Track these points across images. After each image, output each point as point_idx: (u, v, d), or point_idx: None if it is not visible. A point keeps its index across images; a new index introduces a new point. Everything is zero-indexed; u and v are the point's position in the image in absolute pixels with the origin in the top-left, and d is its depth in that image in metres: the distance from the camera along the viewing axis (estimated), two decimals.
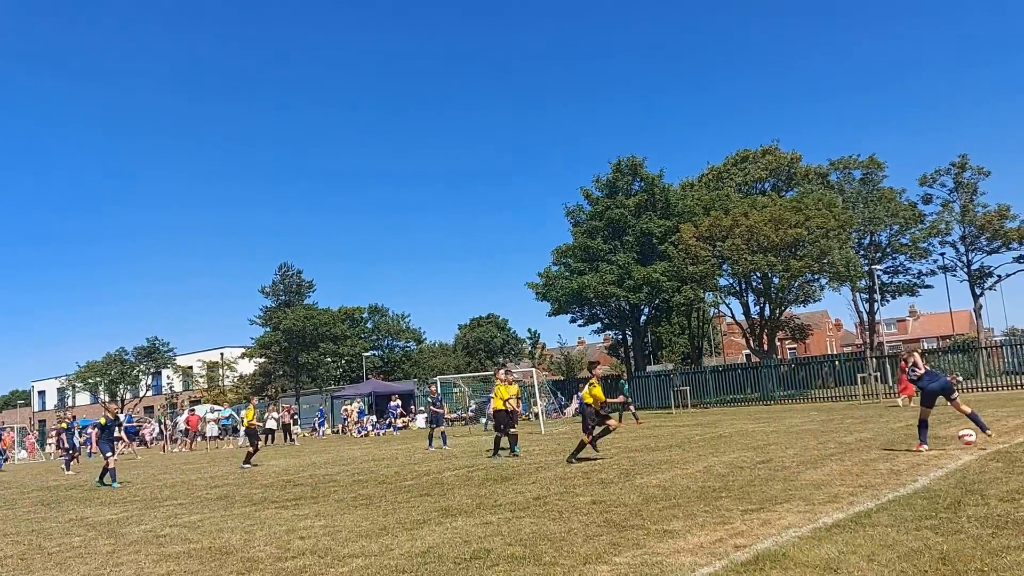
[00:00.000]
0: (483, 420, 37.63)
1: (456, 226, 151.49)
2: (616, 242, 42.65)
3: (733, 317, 46.03)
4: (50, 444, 44.61)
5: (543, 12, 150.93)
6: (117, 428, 17.27)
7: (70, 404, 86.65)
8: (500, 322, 78.35)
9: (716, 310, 54.13)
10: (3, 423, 72.38)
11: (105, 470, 16.24)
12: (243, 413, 25.55)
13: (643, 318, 46.75)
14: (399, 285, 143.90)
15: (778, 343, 52.26)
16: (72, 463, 24.16)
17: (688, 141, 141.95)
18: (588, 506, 8.36)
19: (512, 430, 16.31)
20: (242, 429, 29.31)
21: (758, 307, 42.96)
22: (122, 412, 63.45)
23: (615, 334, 51.45)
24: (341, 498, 10.85)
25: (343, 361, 67.23)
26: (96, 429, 17.02)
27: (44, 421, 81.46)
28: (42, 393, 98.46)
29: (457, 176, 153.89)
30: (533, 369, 33.14)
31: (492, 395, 19.60)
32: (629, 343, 48.31)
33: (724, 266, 40.10)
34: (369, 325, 73.96)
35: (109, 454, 16.19)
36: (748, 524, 6.77)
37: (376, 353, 72.41)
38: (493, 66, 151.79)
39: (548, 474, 11.92)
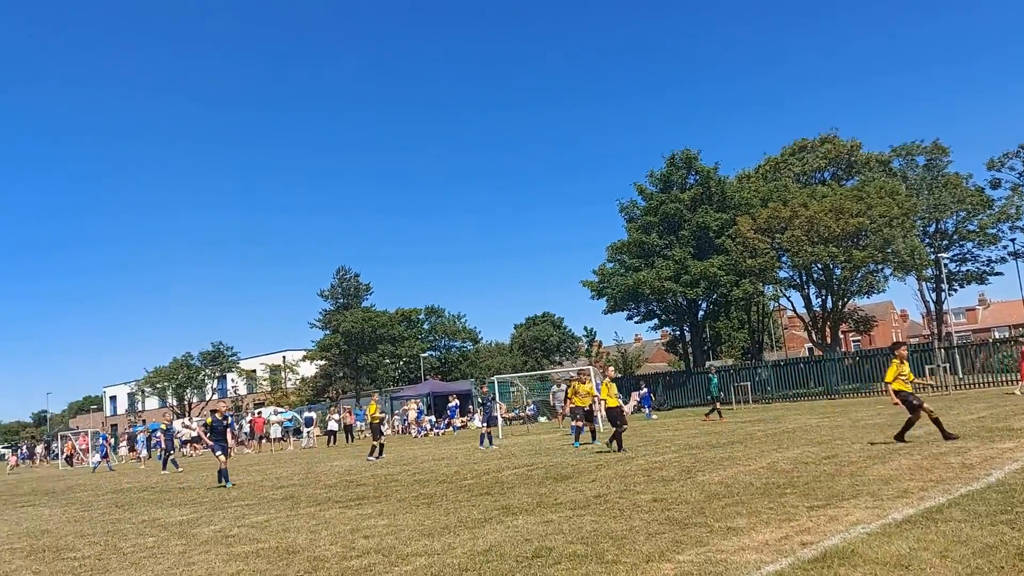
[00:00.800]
0: (542, 419, 37.63)
1: (511, 225, 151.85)
2: (672, 237, 42.18)
3: (794, 310, 45.07)
4: (122, 447, 46.18)
5: (589, 5, 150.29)
6: (226, 428, 17.02)
7: (140, 408, 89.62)
8: (556, 320, 78.21)
9: (776, 303, 53.12)
10: (78, 427, 75.27)
11: (221, 471, 15.90)
12: (366, 409, 26.80)
13: (701, 313, 46.14)
14: (455, 286, 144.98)
15: (841, 336, 51.00)
16: (138, 463, 24.94)
17: (744, 133, 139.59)
18: (649, 504, 8.29)
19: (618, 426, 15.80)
20: (366, 423, 30.73)
21: (820, 299, 41.95)
22: (188, 417, 65.45)
23: (672, 330, 50.88)
24: (403, 497, 10.99)
25: (401, 362, 68.03)
26: (204, 429, 17.12)
27: (116, 425, 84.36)
28: (113, 398, 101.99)
29: (510, 175, 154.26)
30: (591, 367, 33.00)
31: (572, 394, 20.08)
32: (687, 339, 47.75)
33: (784, 258, 39.29)
34: (426, 326, 74.65)
35: (220, 454, 15.77)
36: (815, 521, 6.64)
37: (433, 354, 73.03)
38: (544, 63, 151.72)
39: (608, 472, 11.87)
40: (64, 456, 45.62)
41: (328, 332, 65.45)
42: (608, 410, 16.21)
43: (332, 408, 43.20)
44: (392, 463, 18.52)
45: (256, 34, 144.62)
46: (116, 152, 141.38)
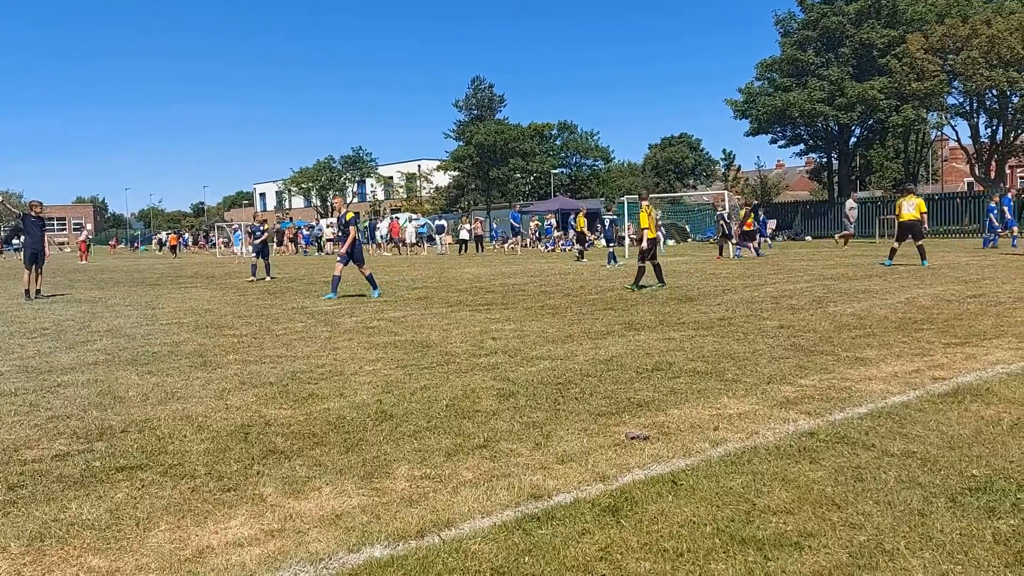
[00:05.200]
0: (670, 242, 37.30)
1: (649, 37, 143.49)
2: (830, 55, 38.79)
3: (958, 141, 41.27)
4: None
5: None
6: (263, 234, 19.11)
7: (287, 206, 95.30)
8: (693, 142, 75.35)
9: (939, 132, 48.77)
10: (231, 220, 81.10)
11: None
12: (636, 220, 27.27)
13: (853, 140, 43.19)
14: (590, 99, 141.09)
15: (1008, 171, 46.60)
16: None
17: None
18: (775, 330, 8.21)
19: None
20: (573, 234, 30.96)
21: (989, 130, 38.08)
22: (332, 216, 69.08)
23: (819, 157, 48.08)
24: (529, 306, 11.37)
25: (531, 177, 68.27)
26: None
27: (265, 220, 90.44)
28: (263, 195, 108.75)
29: None
30: (726, 192, 31.95)
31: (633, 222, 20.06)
32: (834, 167, 45.09)
33: (954, 83, 35.55)
34: (558, 142, 73.84)
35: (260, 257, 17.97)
36: (950, 357, 6.40)
37: (564, 171, 72.67)
38: None
39: (735, 297, 11.76)
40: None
41: (462, 143, 66.00)
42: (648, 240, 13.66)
43: (464, 218, 44.36)
44: (519, 274, 19.06)
45: None
46: None
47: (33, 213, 15.61)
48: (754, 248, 24.02)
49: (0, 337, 9.41)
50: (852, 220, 28.06)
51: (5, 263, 39.29)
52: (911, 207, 16.70)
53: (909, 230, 16.72)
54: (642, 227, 13.50)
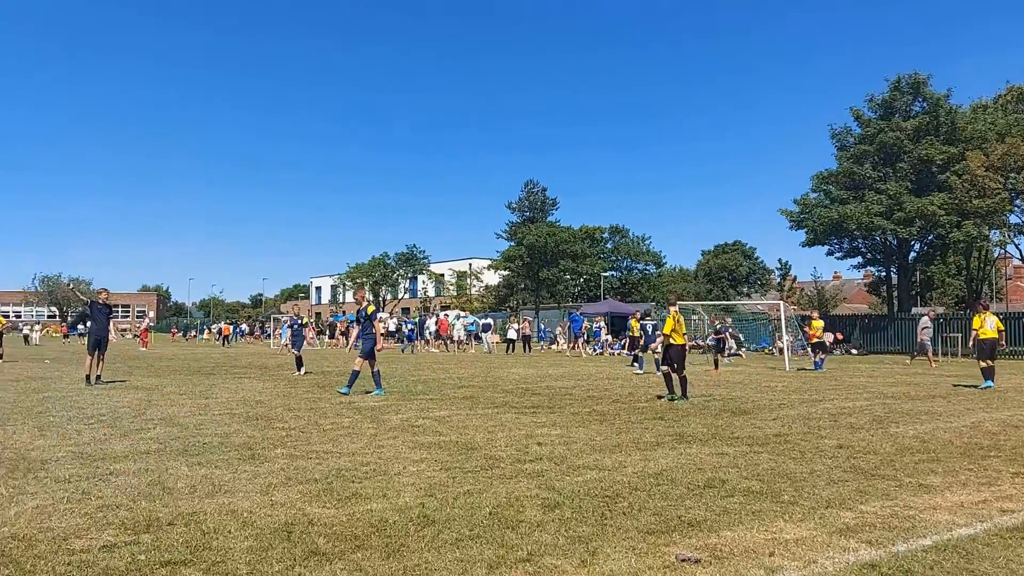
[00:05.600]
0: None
1: (703, 145, 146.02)
2: (887, 169, 38.78)
3: (1022, 259, 40.42)
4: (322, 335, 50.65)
5: None
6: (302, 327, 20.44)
7: (341, 300, 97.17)
8: (747, 250, 75.18)
9: (1002, 251, 47.82)
10: (287, 312, 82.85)
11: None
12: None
13: (912, 255, 42.53)
14: (642, 204, 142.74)
15: None
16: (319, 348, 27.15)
17: (984, 56, 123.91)
18: (834, 449, 7.93)
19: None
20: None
21: None
22: (383, 311, 70.16)
23: (877, 270, 47.41)
24: (576, 411, 11.23)
25: (581, 279, 68.61)
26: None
27: (320, 314, 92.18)
28: (319, 288, 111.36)
29: (704, 90, 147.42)
30: (781, 302, 31.59)
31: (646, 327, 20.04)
32: (893, 281, 44.34)
33: (1016, 201, 35.11)
34: (609, 245, 74.45)
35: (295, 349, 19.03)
36: (1018, 488, 6.08)
37: (615, 274, 72.94)
38: None
39: (791, 412, 11.44)
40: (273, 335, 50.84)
41: (513, 243, 67.01)
42: (670, 348, 12.83)
43: (512, 317, 44.60)
44: (567, 377, 18.92)
45: None
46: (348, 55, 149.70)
47: (100, 300, 16.21)
48: (817, 361, 23.11)
49: (59, 422, 9.63)
50: (928, 339, 26.13)
51: (69, 347, 40.60)
52: (991, 324, 16.29)
53: (991, 348, 16.21)
54: (665, 332, 12.72)
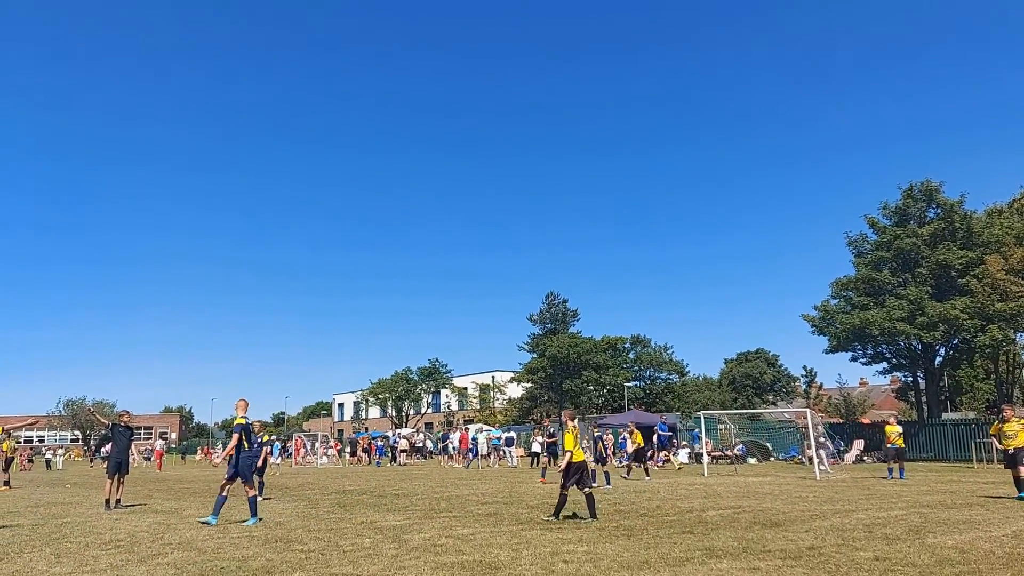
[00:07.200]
0: (751, 460, 35.85)
1: (721, 254, 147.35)
2: (906, 275, 38.82)
3: None
4: (346, 452, 50.03)
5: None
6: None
7: (363, 417, 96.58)
8: (770, 358, 74.56)
9: None
10: (309, 429, 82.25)
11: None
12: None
13: (938, 359, 41.92)
14: (663, 316, 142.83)
15: None
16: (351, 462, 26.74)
17: (996, 160, 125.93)
18: (870, 562, 7.62)
19: (587, 488, 11.96)
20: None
21: None
22: (404, 427, 69.53)
23: (904, 376, 46.65)
24: (603, 526, 10.93)
25: (605, 390, 68.00)
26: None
27: (342, 431, 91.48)
28: (341, 405, 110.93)
29: (721, 201, 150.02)
30: (808, 410, 31.02)
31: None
32: (921, 387, 43.54)
33: None
34: (631, 355, 74.14)
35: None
36: None
37: (638, 384, 72.29)
38: (764, 77, 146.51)
39: (824, 523, 11.06)
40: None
41: (535, 355, 66.96)
42: (570, 465, 11.89)
43: (536, 430, 43.96)
44: (593, 491, 18.43)
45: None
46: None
47: (122, 422, 16.24)
48: (891, 468, 22.39)
49: (76, 548, 9.52)
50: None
51: (93, 471, 40.40)
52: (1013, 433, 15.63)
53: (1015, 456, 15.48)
54: (566, 449, 11.78)
